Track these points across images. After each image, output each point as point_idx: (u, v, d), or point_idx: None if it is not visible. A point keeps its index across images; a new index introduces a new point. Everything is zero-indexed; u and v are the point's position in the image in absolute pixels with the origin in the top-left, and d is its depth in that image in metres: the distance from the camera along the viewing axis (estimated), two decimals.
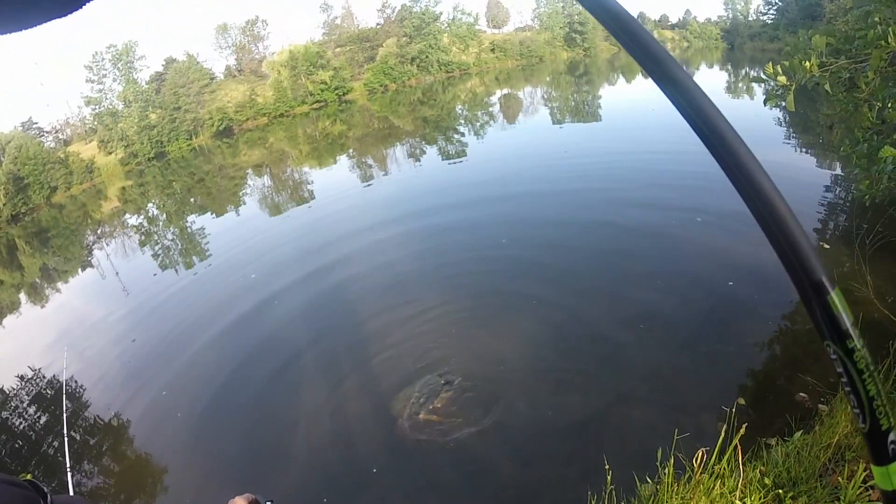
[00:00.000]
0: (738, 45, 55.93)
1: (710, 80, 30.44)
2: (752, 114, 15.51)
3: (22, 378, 8.64)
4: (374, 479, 4.55)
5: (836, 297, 0.37)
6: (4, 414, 7.73)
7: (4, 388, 8.43)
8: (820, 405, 3.91)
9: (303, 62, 51.10)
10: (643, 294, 6.38)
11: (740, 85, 22.25)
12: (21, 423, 7.57)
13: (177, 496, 5.03)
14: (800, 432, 3.27)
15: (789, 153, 11.33)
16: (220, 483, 4.91)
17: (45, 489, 1.08)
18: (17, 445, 7.11)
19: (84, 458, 6.24)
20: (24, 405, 7.96)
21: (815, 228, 7.22)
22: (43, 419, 7.32)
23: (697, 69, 38.10)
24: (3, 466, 6.46)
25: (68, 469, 3.85)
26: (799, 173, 9.63)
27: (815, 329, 0.38)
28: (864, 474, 2.66)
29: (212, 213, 18.94)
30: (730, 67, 33.90)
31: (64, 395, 5.72)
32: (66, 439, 4.41)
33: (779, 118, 14.60)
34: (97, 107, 47.74)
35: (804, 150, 11.70)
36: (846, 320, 0.37)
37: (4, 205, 36.13)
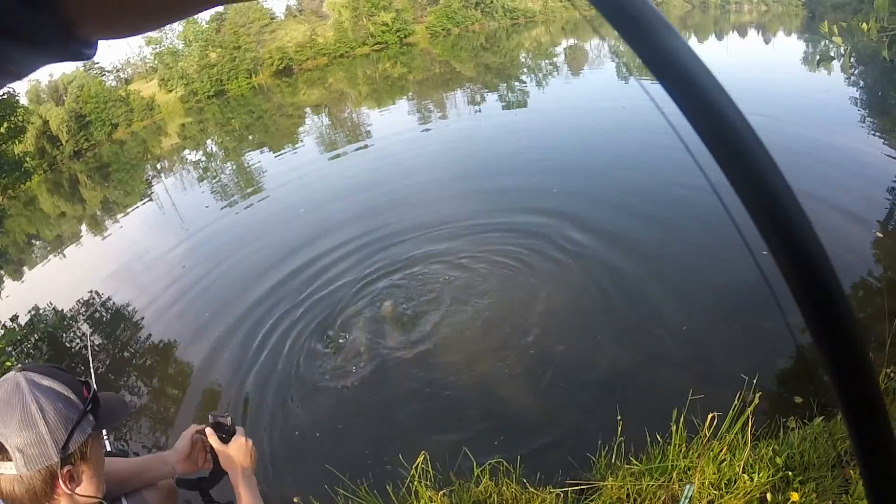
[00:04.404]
0: (820, 14, 51.57)
1: (786, 47, 28.73)
2: (823, 89, 14.47)
3: (80, 301, 9.30)
4: (394, 405, 4.85)
5: None
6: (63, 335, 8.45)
7: (59, 309, 9.24)
8: None
9: (364, 3, 49.85)
10: (694, 260, 6.34)
11: (817, 57, 20.84)
12: (78, 344, 8.20)
13: (206, 407, 5.48)
14: (821, 418, 3.20)
15: (862, 136, 10.71)
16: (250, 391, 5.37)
17: (84, 379, 1.35)
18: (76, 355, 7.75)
19: (121, 365, 6.83)
20: (79, 323, 8.61)
21: (877, 220, 6.90)
22: (94, 339, 7.86)
23: (774, 35, 35.97)
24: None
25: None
26: (869, 159, 9.13)
27: None
28: None
29: (269, 150, 19.39)
30: (807, 37, 31.78)
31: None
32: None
33: (855, 98, 13.63)
34: (158, 46, 48.01)
35: (879, 133, 11.01)
36: None
37: (67, 141, 37.67)
